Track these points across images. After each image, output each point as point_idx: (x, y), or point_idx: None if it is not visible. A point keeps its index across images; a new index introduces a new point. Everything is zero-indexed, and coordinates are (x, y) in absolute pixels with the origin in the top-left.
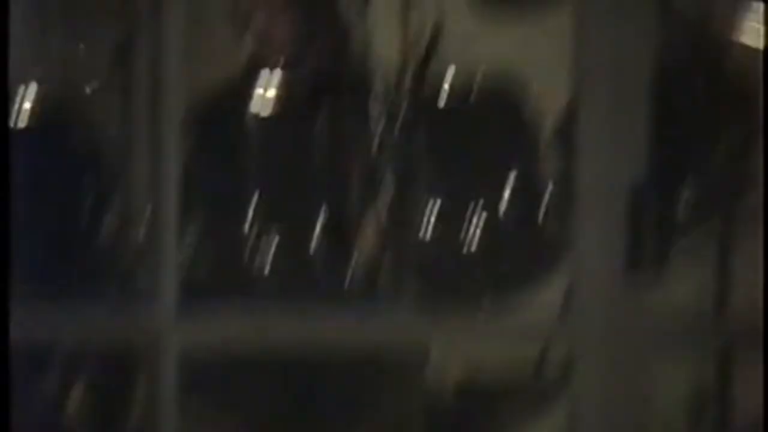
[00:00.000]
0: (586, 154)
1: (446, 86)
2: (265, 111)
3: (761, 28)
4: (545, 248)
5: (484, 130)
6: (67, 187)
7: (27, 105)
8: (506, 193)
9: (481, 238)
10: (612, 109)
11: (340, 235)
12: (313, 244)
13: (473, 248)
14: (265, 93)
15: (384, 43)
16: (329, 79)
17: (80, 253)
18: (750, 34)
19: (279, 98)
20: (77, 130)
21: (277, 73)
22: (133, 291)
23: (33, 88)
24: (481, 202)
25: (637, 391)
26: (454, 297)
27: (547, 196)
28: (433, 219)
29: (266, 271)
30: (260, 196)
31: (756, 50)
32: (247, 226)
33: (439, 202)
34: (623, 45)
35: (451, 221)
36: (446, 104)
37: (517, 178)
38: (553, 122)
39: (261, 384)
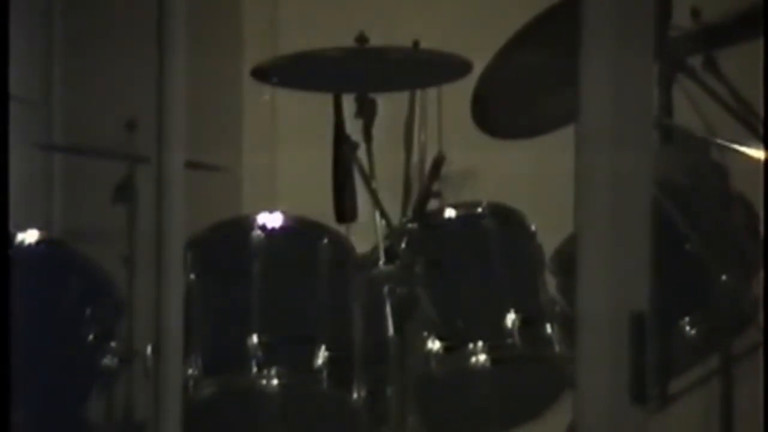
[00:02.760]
0: (587, 286)
1: (447, 218)
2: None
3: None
4: (548, 383)
5: (485, 261)
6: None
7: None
8: (507, 328)
9: (483, 373)
10: (613, 241)
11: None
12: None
13: (476, 384)
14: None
15: (386, 177)
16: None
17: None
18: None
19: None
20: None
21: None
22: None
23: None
24: (483, 336)
25: None
26: None
27: (548, 330)
28: (434, 355)
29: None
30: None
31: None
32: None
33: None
34: (624, 177)
35: (454, 356)
36: (447, 236)
37: (518, 312)
38: (555, 253)
39: None
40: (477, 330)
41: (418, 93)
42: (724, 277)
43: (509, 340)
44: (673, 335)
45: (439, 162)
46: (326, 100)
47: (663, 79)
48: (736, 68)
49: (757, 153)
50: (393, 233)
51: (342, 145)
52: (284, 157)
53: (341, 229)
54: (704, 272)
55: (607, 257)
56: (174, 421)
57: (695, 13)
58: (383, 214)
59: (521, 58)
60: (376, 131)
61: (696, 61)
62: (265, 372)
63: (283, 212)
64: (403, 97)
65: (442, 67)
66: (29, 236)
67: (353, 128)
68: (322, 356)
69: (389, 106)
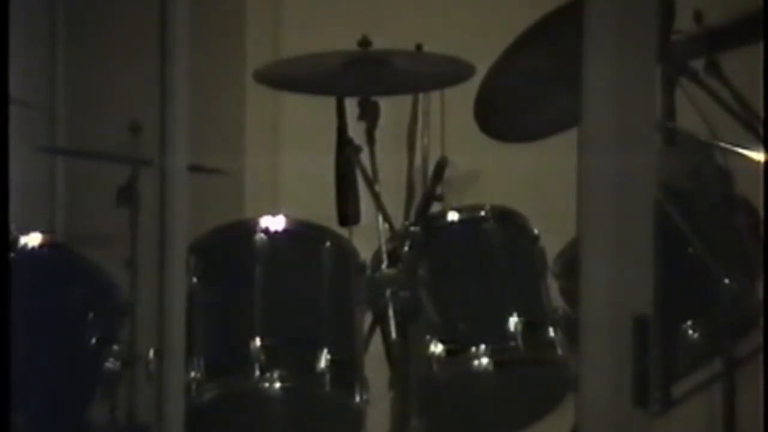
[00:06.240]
0: (590, 289)
1: (449, 221)
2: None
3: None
4: (551, 387)
5: (488, 264)
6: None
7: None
8: (510, 331)
9: (486, 376)
10: (616, 245)
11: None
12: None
13: (478, 387)
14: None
15: (389, 180)
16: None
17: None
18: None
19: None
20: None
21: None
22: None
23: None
24: (486, 339)
25: None
26: None
27: (551, 333)
28: (437, 358)
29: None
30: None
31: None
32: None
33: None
34: (627, 180)
35: (456, 360)
36: (450, 240)
37: (521, 315)
38: (558, 257)
39: None
40: (480, 333)
41: (421, 96)
42: (727, 281)
43: (512, 344)
44: (676, 339)
45: (441, 165)
46: (329, 103)
47: (666, 83)
48: (738, 71)
49: (758, 155)
50: (396, 236)
51: (345, 149)
52: (287, 160)
53: (344, 232)
54: (707, 276)
55: (609, 260)
56: (176, 425)
57: (698, 16)
58: (386, 218)
59: (524, 62)
60: (379, 134)
61: (699, 65)
62: (267, 375)
63: (286, 215)
64: (406, 100)
65: (445, 71)
66: (32, 239)
67: (356, 131)
68: (324, 359)
69: (392, 109)
